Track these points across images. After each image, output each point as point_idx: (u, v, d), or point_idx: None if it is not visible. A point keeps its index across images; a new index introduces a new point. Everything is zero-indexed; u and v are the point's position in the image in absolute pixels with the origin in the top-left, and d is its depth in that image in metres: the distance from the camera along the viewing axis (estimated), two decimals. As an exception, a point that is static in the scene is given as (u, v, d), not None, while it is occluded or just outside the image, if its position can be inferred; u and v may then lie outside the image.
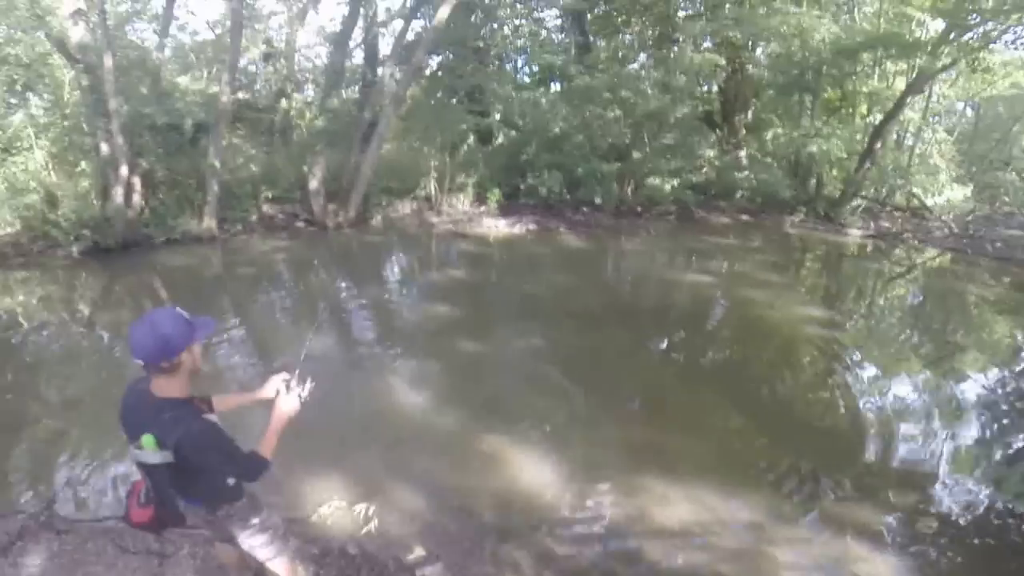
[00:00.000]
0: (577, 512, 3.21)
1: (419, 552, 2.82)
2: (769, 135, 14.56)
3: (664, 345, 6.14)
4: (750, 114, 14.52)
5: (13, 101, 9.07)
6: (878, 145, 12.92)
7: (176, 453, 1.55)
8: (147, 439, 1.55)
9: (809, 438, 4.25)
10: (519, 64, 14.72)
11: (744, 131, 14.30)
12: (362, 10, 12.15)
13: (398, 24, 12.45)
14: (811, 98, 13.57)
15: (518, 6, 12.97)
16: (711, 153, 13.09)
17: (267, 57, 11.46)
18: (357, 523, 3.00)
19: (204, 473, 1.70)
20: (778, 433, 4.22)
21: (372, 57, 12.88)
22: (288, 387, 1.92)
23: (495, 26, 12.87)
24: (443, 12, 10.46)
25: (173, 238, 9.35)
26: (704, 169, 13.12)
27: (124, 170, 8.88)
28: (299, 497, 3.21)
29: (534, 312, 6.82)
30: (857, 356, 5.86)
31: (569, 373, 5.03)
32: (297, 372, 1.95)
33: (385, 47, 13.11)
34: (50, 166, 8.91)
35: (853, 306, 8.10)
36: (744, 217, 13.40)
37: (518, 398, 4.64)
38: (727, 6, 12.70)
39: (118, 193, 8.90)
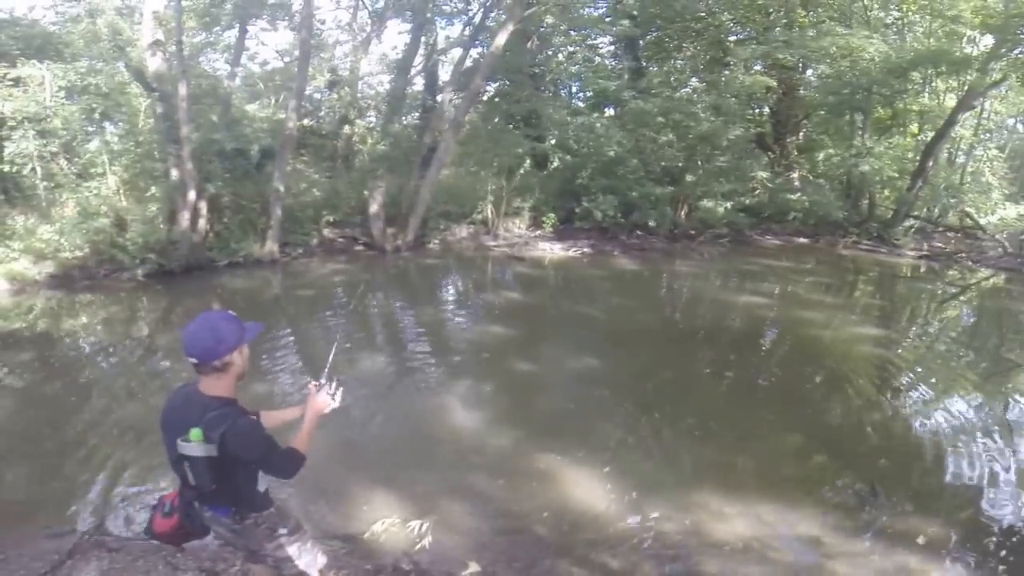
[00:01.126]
0: (633, 528, 2.82)
1: (473, 568, 2.50)
2: (821, 156, 12.81)
3: (718, 365, 5.41)
4: (801, 135, 12.81)
5: (91, 129, 8.27)
6: (930, 164, 11.24)
7: (220, 447, 1.40)
8: (195, 432, 1.40)
9: (866, 454, 3.67)
10: (573, 90, 13.36)
11: (796, 152, 12.58)
12: (423, 39, 11.10)
13: (457, 52, 11.38)
14: (862, 118, 11.82)
15: (572, 34, 11.70)
16: (763, 175, 11.46)
17: (332, 85, 10.49)
18: (411, 540, 2.68)
19: (241, 475, 1.51)
20: (834, 450, 3.71)
21: (432, 84, 11.82)
22: (319, 388, 1.76)
23: (550, 53, 11.65)
24: (500, 39, 9.35)
25: (235, 261, 8.37)
26: (757, 191, 11.48)
27: (192, 195, 7.94)
28: (353, 514, 2.90)
29: (589, 333, 6.15)
30: (912, 374, 5.21)
31: (623, 393, 4.57)
32: (325, 375, 1.79)
33: (444, 74, 12.04)
34: (121, 191, 8.02)
35: (907, 326, 7.21)
36: (797, 239, 11.69)
37: (572, 417, 4.16)
38: (776, 29, 11.17)
39: (185, 217, 7.96)
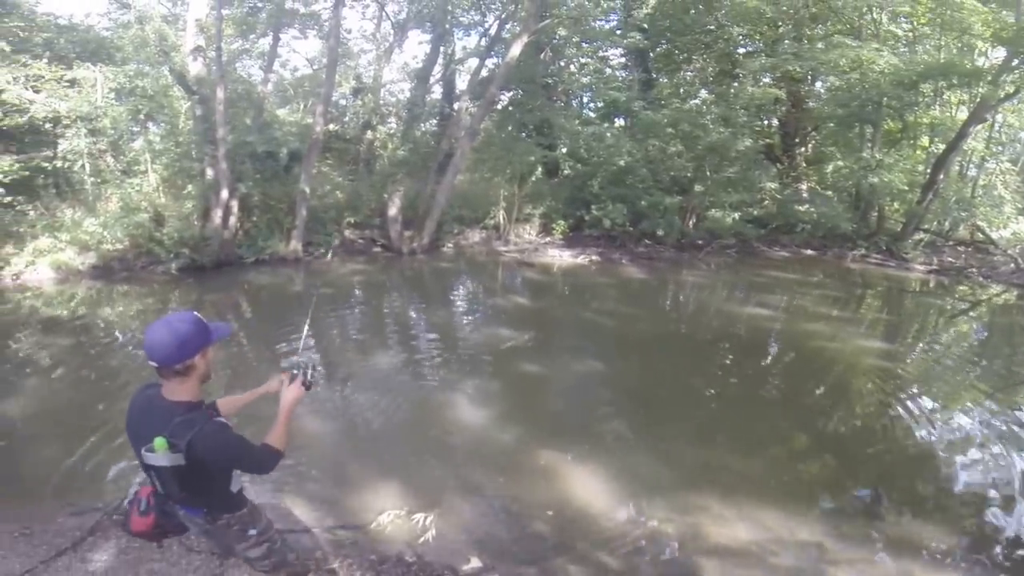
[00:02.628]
0: (633, 529, 2.90)
1: (475, 563, 2.59)
2: (829, 168, 13.00)
3: (723, 373, 5.56)
4: (810, 147, 12.98)
5: (136, 129, 8.86)
6: (940, 177, 11.32)
7: (188, 455, 1.38)
8: (159, 442, 1.38)
9: (870, 463, 3.77)
10: (584, 100, 13.81)
11: (804, 164, 12.83)
12: (441, 48, 11.54)
13: (473, 62, 11.81)
14: (871, 130, 12.03)
15: (584, 45, 12.08)
16: (772, 186, 11.67)
17: (356, 92, 11.04)
18: (415, 532, 2.78)
19: (212, 479, 1.52)
20: (838, 458, 3.78)
21: (449, 92, 12.33)
22: (292, 378, 1.76)
23: (562, 64, 11.99)
24: (515, 50, 9.84)
25: (262, 258, 8.91)
26: (765, 202, 11.76)
27: (225, 194, 8.47)
28: (361, 504, 3.00)
29: (595, 339, 6.33)
30: (919, 387, 5.26)
31: (628, 397, 4.71)
32: (296, 363, 1.79)
33: (461, 83, 12.53)
34: (160, 188, 8.59)
35: (915, 340, 7.25)
36: (805, 251, 11.94)
37: (577, 419, 4.28)
38: (786, 42, 11.38)
39: (217, 215, 8.49)
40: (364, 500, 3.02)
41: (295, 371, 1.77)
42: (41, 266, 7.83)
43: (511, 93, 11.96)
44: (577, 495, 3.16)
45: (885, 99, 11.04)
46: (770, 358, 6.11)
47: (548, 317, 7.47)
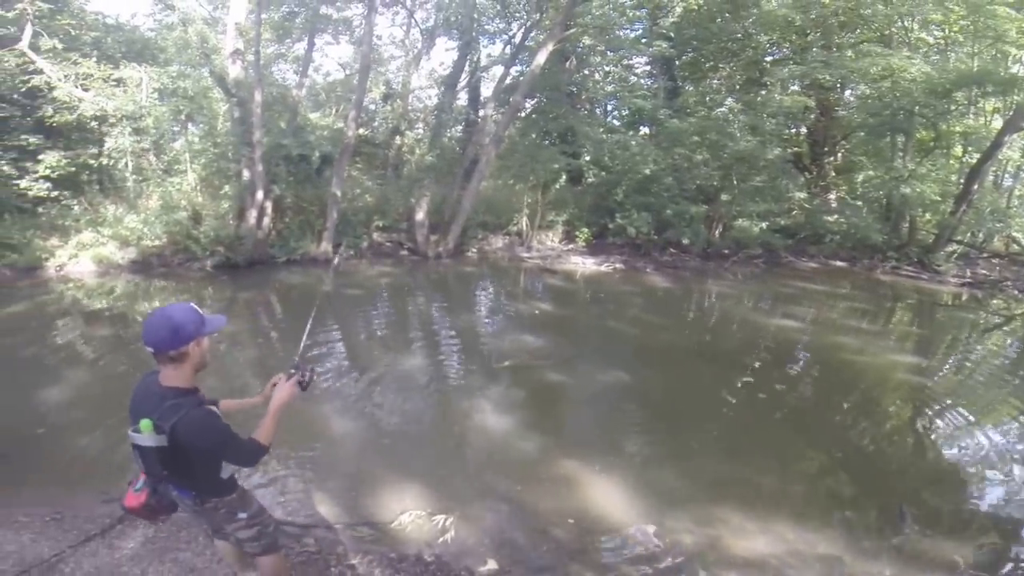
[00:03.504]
0: (652, 539, 2.90)
1: (491, 565, 2.62)
2: (860, 177, 12.88)
3: (747, 385, 5.49)
4: (839, 156, 12.85)
5: (176, 129, 9.18)
6: (975, 187, 11.15)
7: (171, 437, 1.46)
8: (145, 423, 1.47)
9: (895, 479, 3.74)
10: (609, 108, 13.88)
11: (833, 173, 12.75)
12: (468, 56, 11.75)
13: (498, 69, 12.01)
14: (903, 139, 11.96)
15: (609, 54, 12.16)
16: (800, 196, 11.56)
17: (386, 97, 11.30)
18: (435, 532, 2.83)
19: (198, 462, 1.58)
20: (863, 472, 3.75)
21: (475, 99, 12.58)
22: (289, 375, 1.83)
23: (587, 72, 12.08)
24: (540, 58, 10.06)
25: (293, 259, 9.12)
26: (793, 212, 11.71)
27: (260, 195, 8.73)
28: (383, 503, 3.08)
29: (618, 347, 6.35)
30: (948, 401, 5.15)
31: (650, 407, 4.72)
32: (295, 364, 1.86)
33: (486, 90, 12.73)
34: (198, 188, 8.86)
35: (946, 355, 7.11)
36: (833, 262, 11.88)
37: (598, 427, 4.32)
38: (814, 49, 11.33)
39: (252, 215, 8.75)
40: (386, 499, 3.09)
41: (292, 370, 1.82)
42: (83, 259, 8.16)
43: (535, 101, 12.10)
44: (596, 504, 3.19)
45: (917, 108, 10.94)
46: (796, 370, 6.07)
47: (571, 324, 7.54)
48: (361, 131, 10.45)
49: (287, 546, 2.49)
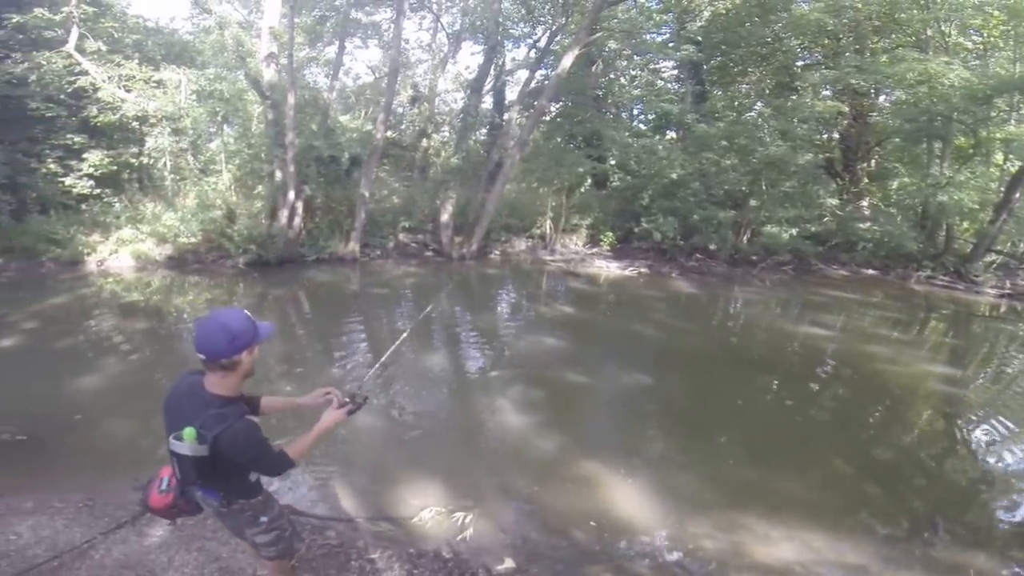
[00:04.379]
0: (672, 543, 2.93)
1: (509, 564, 2.66)
2: (894, 184, 12.75)
3: (773, 392, 5.53)
4: (873, 162, 12.73)
5: (212, 130, 9.55)
6: (1016, 195, 10.96)
7: (212, 447, 1.48)
8: (189, 431, 1.46)
9: (925, 490, 3.73)
10: (635, 112, 14.00)
11: (867, 180, 12.68)
12: (493, 59, 11.97)
13: (523, 73, 12.22)
14: (940, 146, 11.83)
15: (636, 58, 12.23)
16: (832, 202, 11.44)
17: (413, 101, 11.55)
18: (454, 530, 2.89)
19: (229, 470, 1.59)
20: (892, 482, 3.73)
21: (500, 103, 12.83)
22: (343, 402, 1.84)
23: (612, 76, 12.18)
24: (566, 62, 10.28)
25: (322, 257, 9.42)
26: (825, 219, 11.66)
27: (291, 195, 9.04)
28: (404, 499, 3.16)
29: (641, 352, 6.41)
30: (982, 413, 5.14)
31: (673, 412, 4.74)
32: (356, 393, 1.87)
33: (511, 94, 12.94)
34: (233, 187, 9.19)
35: (981, 367, 7.01)
36: (865, 271, 11.83)
37: (620, 430, 4.35)
38: (847, 54, 11.28)
39: (283, 215, 9.05)
40: (407, 495, 3.18)
41: (346, 399, 1.84)
42: (123, 254, 8.55)
43: (560, 104, 12.27)
44: (616, 506, 3.20)
45: (956, 114, 10.84)
46: (824, 378, 6.03)
47: (594, 327, 7.66)
48: (389, 134, 10.73)
49: (310, 539, 2.58)
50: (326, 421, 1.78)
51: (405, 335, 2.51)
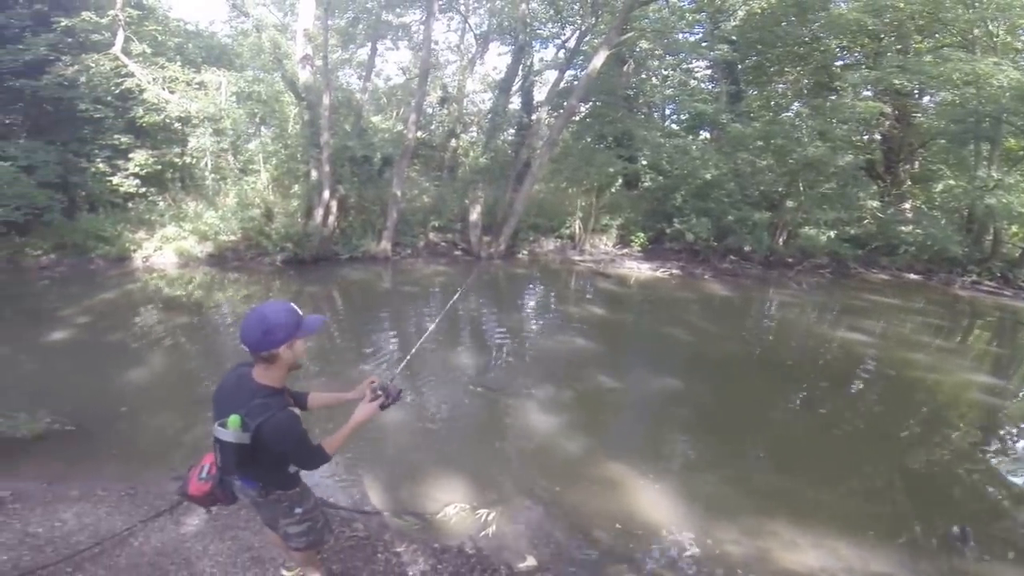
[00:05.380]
0: (696, 547, 2.95)
1: (531, 561, 2.74)
2: (939, 187, 12.50)
3: (806, 398, 5.50)
4: (916, 164, 12.49)
5: (251, 131, 9.90)
6: None
7: (254, 436, 1.55)
8: (233, 419, 1.54)
9: (960, 502, 3.69)
10: (667, 111, 13.95)
11: (909, 182, 12.47)
12: (521, 60, 12.16)
13: (551, 73, 12.36)
14: (988, 147, 11.65)
15: (668, 58, 12.24)
16: (873, 204, 11.25)
17: (443, 101, 11.81)
18: (477, 526, 2.98)
19: (270, 459, 1.65)
20: (926, 493, 3.73)
21: (528, 103, 13.06)
22: (376, 395, 1.88)
23: (644, 76, 12.21)
24: (597, 62, 10.41)
25: (355, 256, 9.69)
26: (865, 221, 11.51)
27: (327, 194, 9.34)
28: (430, 494, 3.26)
29: (671, 354, 6.45)
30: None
31: (702, 415, 4.74)
32: (388, 385, 1.91)
33: (539, 94, 13.14)
34: (270, 187, 9.52)
35: None
36: (907, 275, 11.70)
37: (647, 433, 4.41)
38: (888, 54, 11.12)
39: (319, 214, 9.37)
40: (433, 491, 3.28)
41: (379, 391, 1.88)
42: (167, 251, 8.97)
43: (590, 104, 12.36)
44: (641, 509, 3.24)
45: (1005, 115, 10.70)
46: (860, 385, 5.97)
47: (623, 329, 7.72)
48: (419, 134, 11.00)
49: (339, 530, 2.70)
50: (359, 415, 1.82)
51: (433, 327, 2.66)
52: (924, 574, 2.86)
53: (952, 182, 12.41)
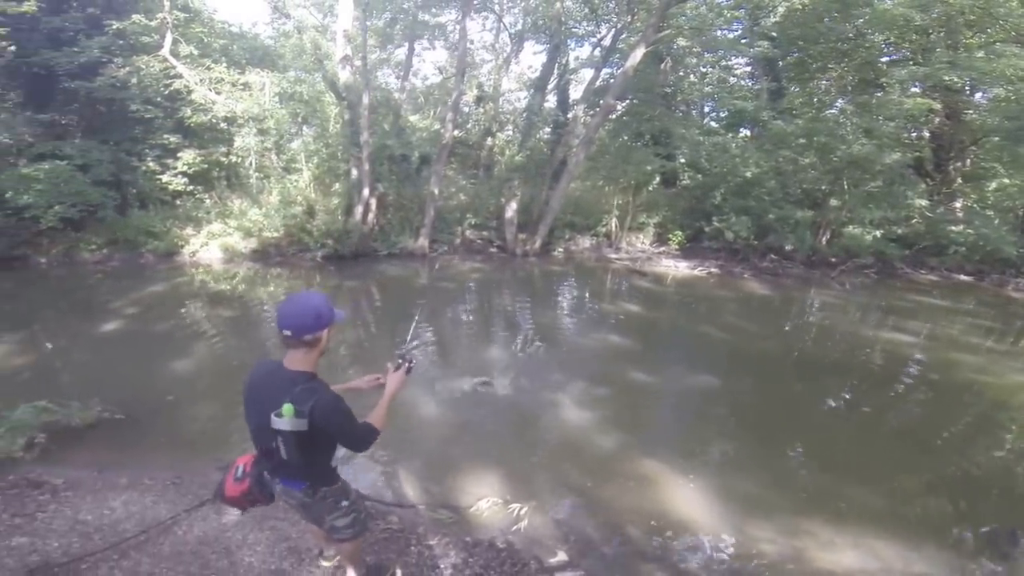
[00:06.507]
0: (731, 545, 2.95)
1: (561, 557, 2.78)
2: (992, 185, 12.19)
3: (847, 399, 5.41)
4: (968, 162, 12.21)
5: (293, 130, 10.21)
6: None
7: (310, 420, 1.59)
8: (287, 408, 1.57)
9: (1009, 504, 3.60)
10: (706, 109, 13.88)
11: (960, 180, 12.19)
12: (556, 58, 12.29)
13: (587, 71, 12.44)
14: None
15: (707, 55, 12.20)
16: (921, 203, 11.01)
17: (479, 100, 12.03)
18: (509, 521, 3.03)
19: (322, 449, 1.72)
20: (971, 493, 3.66)
21: (564, 101, 13.22)
22: (397, 366, 2.02)
23: (682, 73, 12.20)
24: (633, 59, 10.55)
25: (393, 252, 9.87)
26: (914, 220, 11.24)
27: (366, 192, 9.58)
28: (464, 488, 3.34)
29: (708, 353, 6.45)
30: None
31: (740, 415, 4.71)
32: (402, 353, 2.05)
33: (575, 92, 13.31)
34: (312, 185, 9.79)
35: None
36: (956, 276, 11.45)
37: (683, 430, 4.44)
38: (937, 50, 10.85)
39: (359, 211, 9.62)
40: (466, 485, 3.37)
41: (400, 360, 2.03)
42: (212, 247, 9.32)
43: (627, 102, 12.40)
44: (674, 506, 3.27)
45: None
46: (904, 387, 5.88)
47: (660, 327, 7.78)
48: (456, 132, 11.19)
49: (373, 523, 2.78)
50: (392, 386, 1.95)
51: (417, 317, 2.92)
52: (969, 574, 2.84)
53: (1007, 180, 12.08)
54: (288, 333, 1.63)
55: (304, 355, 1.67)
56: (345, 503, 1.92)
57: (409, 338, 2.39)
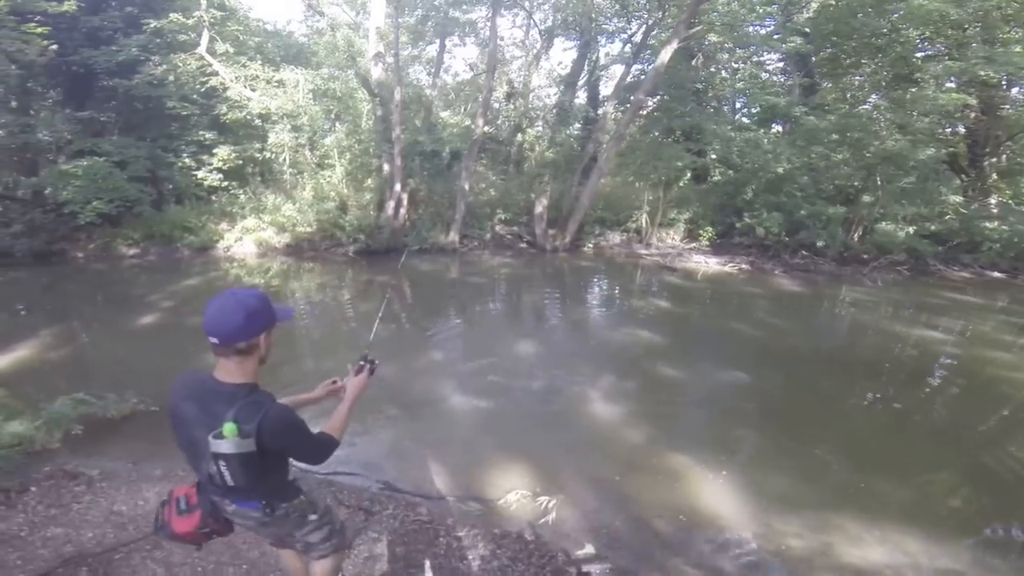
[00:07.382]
0: (758, 539, 2.97)
1: (588, 549, 2.80)
2: None
3: (877, 395, 5.40)
4: (1004, 158, 12.09)
5: (327, 127, 10.37)
6: None
7: (258, 439, 1.38)
8: (229, 427, 1.35)
9: None
10: (737, 105, 13.95)
11: (995, 176, 12.05)
12: (587, 55, 12.33)
13: (617, 67, 12.45)
14: None
15: (739, 51, 12.20)
16: (956, 199, 10.94)
17: (509, 96, 12.13)
18: (537, 513, 3.07)
19: (275, 466, 1.54)
20: (1003, 491, 3.62)
21: (594, 97, 13.26)
22: (359, 368, 1.87)
23: (714, 69, 12.19)
24: (664, 56, 10.53)
25: (424, 247, 9.96)
26: (948, 216, 11.17)
27: (398, 187, 9.73)
28: (493, 481, 3.38)
29: (738, 349, 6.45)
30: None
31: (769, 410, 4.72)
32: (363, 355, 1.90)
33: (605, 88, 13.32)
34: (344, 180, 9.94)
35: None
36: (991, 273, 11.41)
37: (712, 425, 4.46)
38: (973, 45, 10.73)
39: (390, 206, 9.76)
40: (495, 477, 3.41)
41: (361, 361, 1.87)
42: (247, 242, 9.51)
43: (658, 98, 12.44)
44: (702, 500, 3.29)
45: None
46: (935, 384, 5.87)
47: (689, 323, 7.82)
48: (486, 128, 11.30)
49: (403, 514, 2.85)
50: (354, 390, 1.79)
51: (381, 313, 2.49)
52: (997, 572, 2.83)
53: (1046, 177, 12.02)
54: (215, 340, 1.40)
55: (238, 365, 1.43)
56: (313, 516, 1.72)
57: (372, 336, 2.10)
